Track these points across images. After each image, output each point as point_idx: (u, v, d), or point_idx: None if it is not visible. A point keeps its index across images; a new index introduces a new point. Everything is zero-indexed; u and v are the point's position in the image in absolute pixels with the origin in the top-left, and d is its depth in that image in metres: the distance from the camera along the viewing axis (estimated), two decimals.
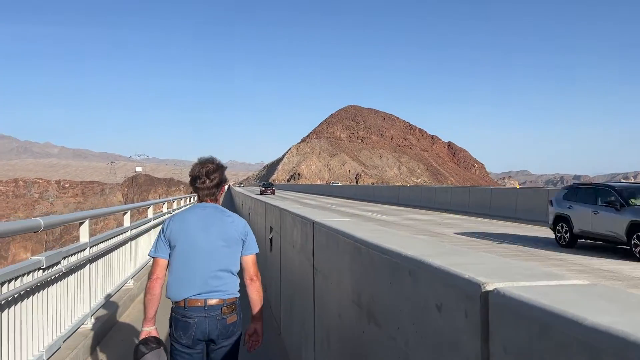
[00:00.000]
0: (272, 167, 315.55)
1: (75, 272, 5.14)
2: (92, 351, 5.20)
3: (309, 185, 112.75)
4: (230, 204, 37.34)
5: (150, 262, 3.21)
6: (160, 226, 3.02)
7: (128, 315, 6.90)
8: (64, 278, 4.75)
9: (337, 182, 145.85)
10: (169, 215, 11.30)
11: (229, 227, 2.94)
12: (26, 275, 3.78)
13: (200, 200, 3.04)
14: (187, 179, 3.36)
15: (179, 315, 2.81)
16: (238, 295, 2.95)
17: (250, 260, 3.01)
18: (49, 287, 4.31)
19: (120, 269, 7.47)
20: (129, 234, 7.90)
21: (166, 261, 2.88)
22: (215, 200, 3.06)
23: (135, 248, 8.50)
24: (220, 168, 3.04)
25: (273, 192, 60.88)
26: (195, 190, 3.01)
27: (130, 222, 8.05)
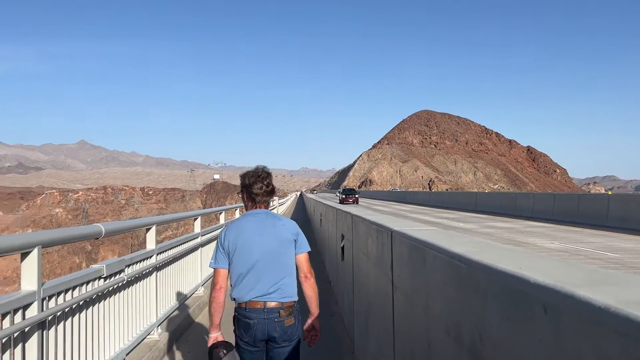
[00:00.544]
0: (343, 173, 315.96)
1: (140, 280, 4.96)
2: None
3: (379, 191, 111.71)
4: (303, 210, 37.47)
5: None
6: (218, 237, 3.12)
7: (198, 325, 6.68)
8: (128, 287, 4.56)
9: (397, 188, 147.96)
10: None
11: (281, 229, 3.08)
12: (85, 285, 3.59)
13: (253, 206, 3.16)
14: None
15: (241, 315, 2.99)
16: (296, 298, 3.06)
17: (303, 258, 3.14)
18: (110, 296, 4.11)
19: (190, 276, 7.33)
20: (199, 240, 7.77)
21: (227, 271, 3.03)
22: (267, 206, 3.19)
23: (206, 254, 8.36)
24: (271, 176, 3.22)
25: (356, 201, 46.66)
26: (252, 195, 3.13)
27: (202, 228, 7.92)
